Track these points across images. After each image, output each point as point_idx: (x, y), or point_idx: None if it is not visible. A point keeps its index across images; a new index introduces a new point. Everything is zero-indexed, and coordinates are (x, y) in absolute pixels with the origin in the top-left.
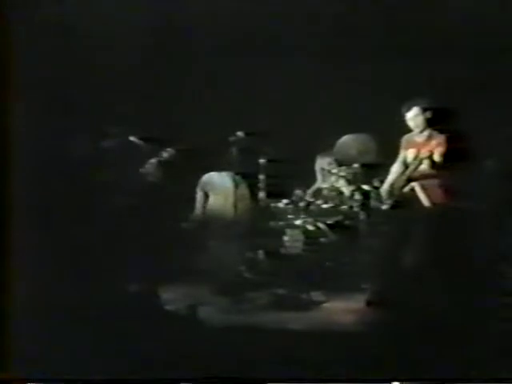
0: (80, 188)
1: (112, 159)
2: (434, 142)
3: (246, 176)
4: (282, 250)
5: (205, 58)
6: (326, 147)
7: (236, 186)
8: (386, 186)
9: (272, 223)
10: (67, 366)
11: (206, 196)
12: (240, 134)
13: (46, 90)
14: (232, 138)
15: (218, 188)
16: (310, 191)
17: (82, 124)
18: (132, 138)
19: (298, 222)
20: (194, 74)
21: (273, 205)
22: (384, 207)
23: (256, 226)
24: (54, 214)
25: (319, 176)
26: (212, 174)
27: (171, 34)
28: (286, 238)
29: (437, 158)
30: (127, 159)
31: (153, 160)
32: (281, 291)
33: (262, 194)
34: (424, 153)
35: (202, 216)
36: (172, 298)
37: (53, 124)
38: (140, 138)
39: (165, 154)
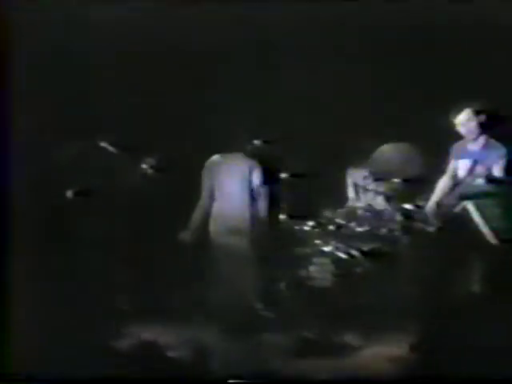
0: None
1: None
2: (492, 153)
3: (265, 193)
4: (308, 283)
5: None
6: (360, 158)
7: (252, 201)
8: (432, 205)
9: (296, 250)
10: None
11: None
12: (257, 142)
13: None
14: (248, 147)
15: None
16: (340, 211)
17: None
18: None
19: (326, 249)
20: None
21: (297, 227)
22: (430, 230)
23: (276, 252)
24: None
25: (352, 193)
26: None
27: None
28: (312, 268)
29: (496, 171)
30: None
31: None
32: (306, 333)
33: (283, 215)
34: (479, 165)
35: (206, 235)
36: (173, 342)
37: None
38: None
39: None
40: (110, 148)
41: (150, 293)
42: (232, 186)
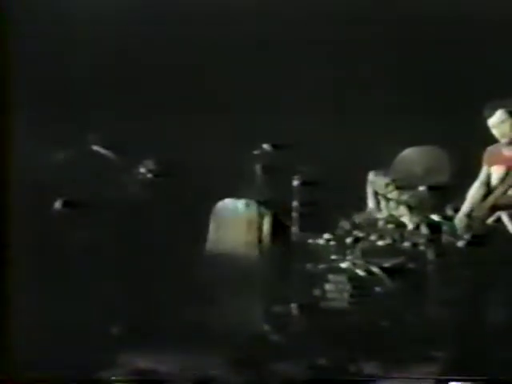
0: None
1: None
2: None
3: (274, 203)
4: (322, 304)
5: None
6: (381, 164)
7: (260, 216)
8: (462, 216)
9: (308, 266)
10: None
11: (219, 228)
12: (266, 147)
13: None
14: (256, 152)
15: (236, 218)
16: (359, 223)
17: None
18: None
19: (343, 265)
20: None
21: (310, 241)
22: (460, 244)
23: (287, 269)
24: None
25: (372, 202)
26: (227, 201)
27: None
28: (327, 287)
29: None
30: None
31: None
32: (320, 361)
33: (295, 227)
34: None
35: (213, 254)
36: (174, 370)
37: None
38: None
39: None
40: (103, 151)
41: (147, 314)
42: (237, 205)
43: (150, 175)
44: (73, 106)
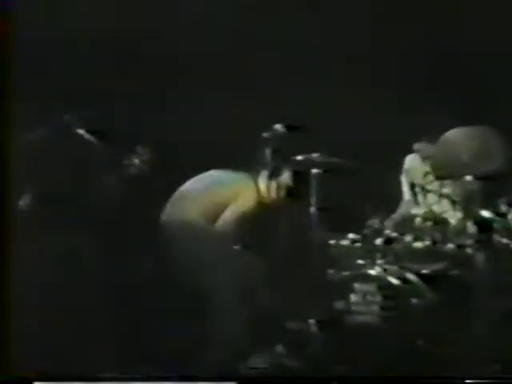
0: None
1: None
2: None
3: (288, 193)
4: (347, 318)
5: None
6: (419, 148)
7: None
8: None
9: (331, 273)
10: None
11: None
12: (278, 127)
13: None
14: (266, 135)
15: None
16: (391, 220)
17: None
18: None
19: (372, 272)
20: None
21: (332, 242)
22: None
23: (303, 276)
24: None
25: (408, 195)
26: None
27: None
28: (352, 298)
29: None
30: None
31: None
32: None
33: (314, 225)
34: None
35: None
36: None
37: None
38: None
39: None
40: (88, 136)
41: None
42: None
43: (142, 164)
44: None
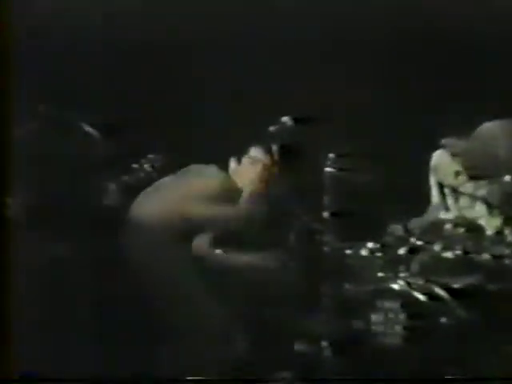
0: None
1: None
2: None
3: (300, 196)
4: (366, 341)
5: None
6: (449, 143)
7: None
8: None
9: (346, 287)
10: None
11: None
12: (286, 120)
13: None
14: (273, 128)
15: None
16: (417, 226)
17: None
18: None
19: (395, 286)
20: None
21: (348, 252)
22: None
23: (316, 291)
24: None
25: (437, 198)
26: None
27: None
28: (373, 317)
29: None
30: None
31: None
32: None
33: (328, 232)
34: None
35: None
36: None
37: None
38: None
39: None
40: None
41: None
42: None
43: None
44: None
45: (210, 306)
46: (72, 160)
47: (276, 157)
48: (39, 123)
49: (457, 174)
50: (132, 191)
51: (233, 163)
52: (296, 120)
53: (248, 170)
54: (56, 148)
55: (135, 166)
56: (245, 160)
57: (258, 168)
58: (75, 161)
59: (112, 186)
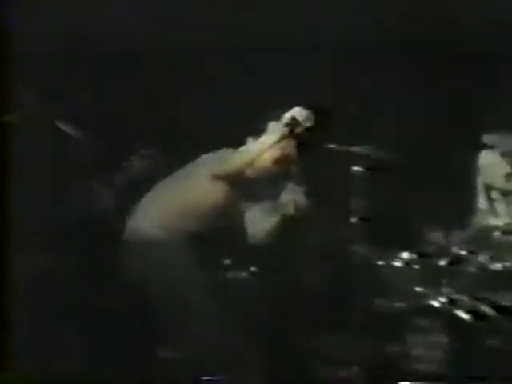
0: None
1: None
2: None
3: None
4: (403, 365)
5: None
6: (495, 141)
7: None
8: None
9: (379, 304)
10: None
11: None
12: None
13: None
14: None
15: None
16: (460, 234)
17: None
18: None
19: (435, 303)
20: None
21: (381, 263)
22: None
23: (344, 308)
24: None
25: (483, 203)
26: None
27: None
28: (410, 338)
29: None
30: None
31: None
32: None
33: (356, 240)
34: None
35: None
36: None
37: None
38: None
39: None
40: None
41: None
42: None
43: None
44: None
45: (223, 325)
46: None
47: (298, 128)
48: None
49: (507, 176)
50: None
51: (251, 141)
52: (318, 110)
53: (267, 146)
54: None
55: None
56: (262, 138)
57: (277, 145)
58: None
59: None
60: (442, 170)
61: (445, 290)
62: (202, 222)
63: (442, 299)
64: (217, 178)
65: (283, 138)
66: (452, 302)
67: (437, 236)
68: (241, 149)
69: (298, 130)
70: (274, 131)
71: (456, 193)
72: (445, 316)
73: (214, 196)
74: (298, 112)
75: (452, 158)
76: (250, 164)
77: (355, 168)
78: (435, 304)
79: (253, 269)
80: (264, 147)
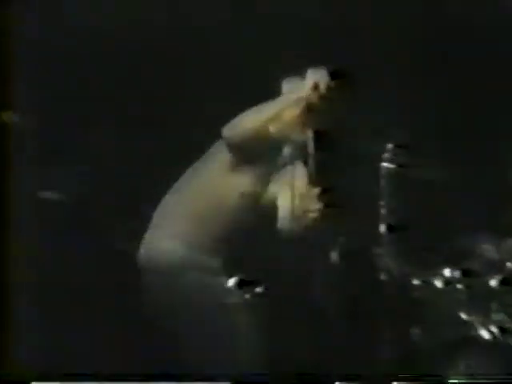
0: None
1: None
2: None
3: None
4: None
5: None
6: None
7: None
8: None
9: (416, 333)
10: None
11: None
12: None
13: None
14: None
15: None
16: None
17: None
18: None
19: (485, 333)
20: None
21: (416, 282)
22: None
23: (372, 336)
24: None
25: None
26: None
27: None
28: (459, 370)
29: None
30: None
31: None
32: None
33: (386, 253)
34: None
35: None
36: None
37: None
38: None
39: None
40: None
41: None
42: None
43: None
44: None
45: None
46: None
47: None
48: None
49: None
50: None
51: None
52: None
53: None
54: None
55: None
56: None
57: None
58: None
59: None
60: (491, 166)
61: (496, 316)
62: (228, 221)
63: (493, 328)
64: (230, 149)
65: (306, 95)
66: (505, 332)
67: (486, 249)
68: (253, 108)
69: (322, 87)
70: (293, 91)
71: (508, 196)
72: (496, 349)
73: (238, 183)
74: (318, 73)
75: (498, 154)
76: (270, 122)
77: (384, 164)
78: (484, 334)
79: (258, 289)
80: (286, 103)
